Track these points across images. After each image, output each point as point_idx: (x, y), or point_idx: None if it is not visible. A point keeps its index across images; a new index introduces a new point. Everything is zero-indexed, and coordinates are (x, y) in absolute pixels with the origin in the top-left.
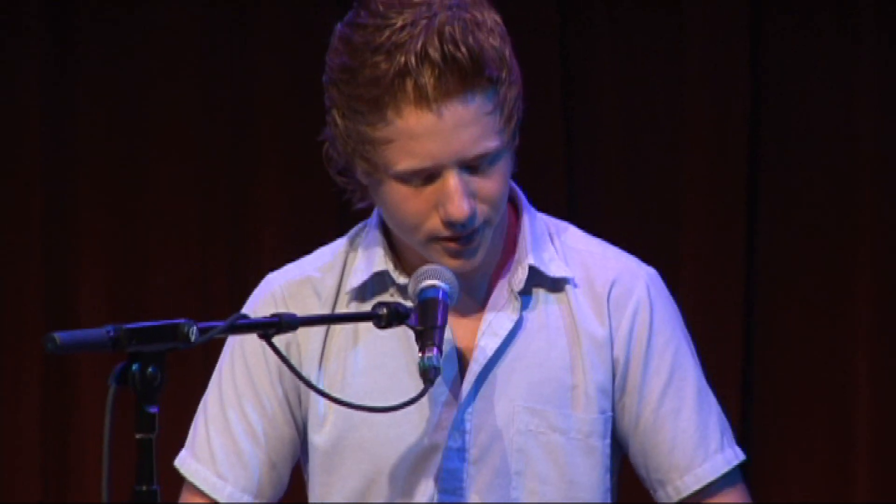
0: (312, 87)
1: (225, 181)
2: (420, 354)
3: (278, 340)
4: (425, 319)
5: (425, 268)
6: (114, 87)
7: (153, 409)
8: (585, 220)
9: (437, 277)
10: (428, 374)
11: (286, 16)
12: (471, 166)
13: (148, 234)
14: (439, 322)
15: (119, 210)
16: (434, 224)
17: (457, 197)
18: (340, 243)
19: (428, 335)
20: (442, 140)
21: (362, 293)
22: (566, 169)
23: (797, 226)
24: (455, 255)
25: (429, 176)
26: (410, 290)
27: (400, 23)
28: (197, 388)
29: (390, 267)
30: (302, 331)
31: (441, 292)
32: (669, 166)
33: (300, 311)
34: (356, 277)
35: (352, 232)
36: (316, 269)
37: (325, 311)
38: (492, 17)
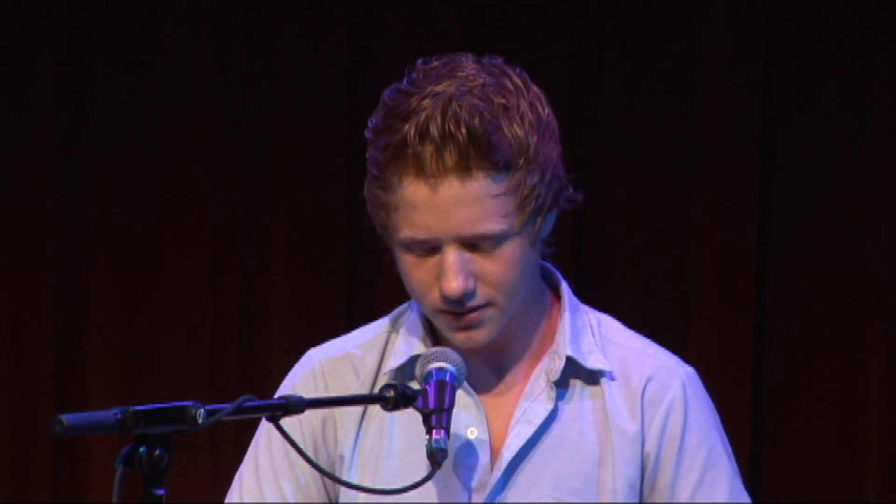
0: (321, 176)
1: (235, 269)
2: (427, 437)
3: (316, 417)
4: (433, 401)
5: (432, 350)
6: (125, 174)
7: (160, 492)
8: (592, 303)
9: (444, 360)
10: (435, 457)
11: (296, 105)
12: (472, 244)
13: (158, 320)
14: (447, 404)
15: (129, 295)
16: (436, 296)
17: (450, 273)
18: (384, 322)
19: (436, 417)
20: (438, 215)
21: (401, 375)
22: (576, 253)
23: (806, 312)
24: (458, 329)
25: (431, 248)
26: (418, 372)
27: (424, 93)
28: (204, 471)
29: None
30: (339, 410)
31: (448, 374)
32: (678, 253)
33: (339, 387)
34: (396, 359)
35: (397, 310)
36: (357, 346)
37: (364, 390)
38: (526, 104)
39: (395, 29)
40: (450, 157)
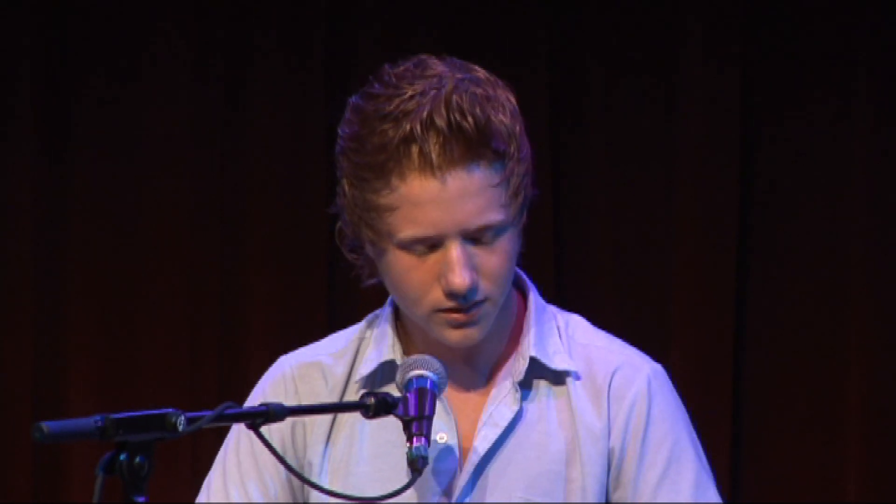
0: (300, 186)
1: (214, 276)
2: (408, 444)
3: (286, 421)
4: (413, 409)
5: (413, 357)
6: (105, 186)
7: (141, 499)
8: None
9: (424, 367)
10: (416, 464)
11: (275, 118)
12: (474, 238)
13: (138, 327)
14: (427, 412)
15: (109, 302)
16: (436, 296)
17: (458, 267)
18: (355, 330)
19: (416, 425)
20: (445, 209)
21: (372, 382)
22: (555, 260)
23: (786, 316)
24: (457, 326)
25: (432, 245)
26: (398, 379)
27: (410, 93)
28: (184, 478)
29: (398, 357)
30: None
31: (429, 382)
32: (658, 261)
33: (310, 393)
34: (366, 366)
35: (367, 318)
36: (328, 354)
37: (333, 398)
38: (504, 95)
39: (373, 43)
40: (457, 148)
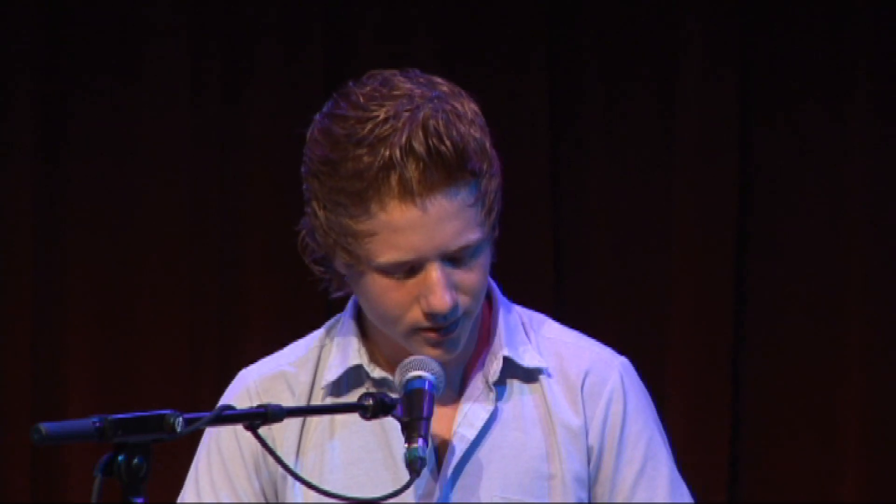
0: (299, 183)
1: (213, 278)
2: (407, 445)
3: (254, 439)
4: (412, 410)
5: (411, 359)
6: (103, 187)
7: (139, 500)
8: (571, 318)
9: (423, 368)
10: (415, 465)
11: (273, 120)
12: (453, 258)
13: (136, 328)
14: (425, 413)
15: (108, 303)
16: (415, 315)
17: (439, 289)
18: (315, 337)
19: (414, 426)
20: (425, 233)
21: (338, 388)
22: (554, 265)
23: (785, 319)
24: (435, 345)
25: (411, 268)
26: (396, 380)
27: (382, 115)
28: (183, 480)
29: (365, 361)
30: (277, 428)
31: (427, 383)
32: (657, 267)
33: None
34: (331, 372)
35: (327, 325)
36: (289, 363)
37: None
38: (471, 109)
39: (373, 43)
40: (436, 173)
